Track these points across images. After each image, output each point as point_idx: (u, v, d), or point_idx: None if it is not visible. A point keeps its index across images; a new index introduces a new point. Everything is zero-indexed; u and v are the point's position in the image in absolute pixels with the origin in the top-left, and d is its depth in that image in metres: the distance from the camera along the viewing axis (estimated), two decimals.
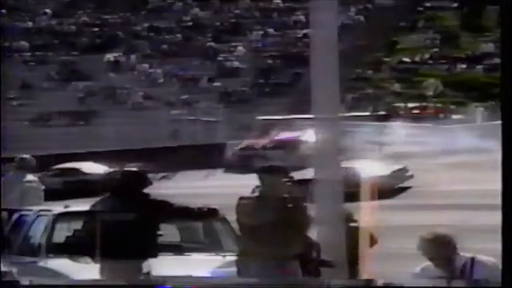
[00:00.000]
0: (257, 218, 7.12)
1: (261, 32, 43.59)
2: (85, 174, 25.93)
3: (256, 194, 7.36)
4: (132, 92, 39.57)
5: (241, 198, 7.33)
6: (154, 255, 7.54)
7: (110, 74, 41.35)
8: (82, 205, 9.01)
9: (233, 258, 7.60)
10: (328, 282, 5.80)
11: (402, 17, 42.79)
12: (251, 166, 22.56)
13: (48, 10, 46.97)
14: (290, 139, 28.94)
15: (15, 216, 10.07)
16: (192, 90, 39.33)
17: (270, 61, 40.77)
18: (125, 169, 8.15)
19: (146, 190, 7.68)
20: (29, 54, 43.83)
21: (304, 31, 40.94)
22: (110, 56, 42.56)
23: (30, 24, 46.21)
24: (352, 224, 7.87)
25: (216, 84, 39.22)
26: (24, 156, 13.67)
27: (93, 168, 26.04)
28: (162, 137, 31.36)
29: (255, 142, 29.12)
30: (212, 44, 43.04)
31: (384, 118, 31.73)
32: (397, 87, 38.14)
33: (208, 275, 7.65)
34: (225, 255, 8.53)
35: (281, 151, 27.23)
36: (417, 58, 40.27)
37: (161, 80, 40.69)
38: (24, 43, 44.30)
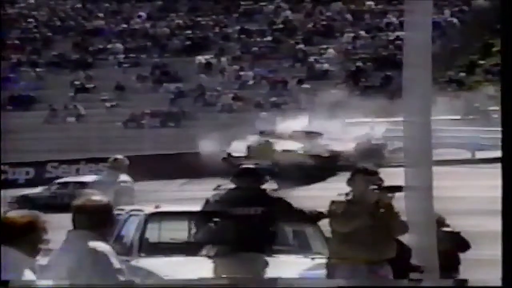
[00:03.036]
0: (350, 222, 7.11)
1: (352, 35, 43.34)
2: None
3: (348, 198, 7.34)
4: (222, 93, 39.86)
5: (333, 202, 7.33)
6: (270, 254, 7.65)
7: (201, 76, 41.72)
8: (174, 206, 9.13)
9: (323, 260, 7.60)
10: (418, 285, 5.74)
11: (499, 19, 41.92)
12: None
13: (142, 13, 47.67)
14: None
15: None
16: (281, 92, 39.44)
17: (360, 64, 40.51)
18: (244, 166, 8.35)
19: (263, 187, 7.87)
20: (123, 56, 44.56)
21: (396, 33, 40.54)
22: (201, 58, 42.93)
23: (124, 26, 46.99)
24: (444, 229, 7.79)
25: (306, 86, 39.19)
26: (117, 156, 13.90)
27: None
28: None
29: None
30: (302, 46, 42.99)
31: (477, 122, 31.17)
32: (491, 90, 37.41)
33: (297, 277, 7.67)
34: (313, 258, 8.53)
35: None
36: None
37: (250, 82, 40.89)
38: (119, 46, 45.09)
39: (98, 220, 5.22)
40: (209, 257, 7.81)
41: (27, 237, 4.84)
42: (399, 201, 7.30)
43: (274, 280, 6.57)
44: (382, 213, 7.05)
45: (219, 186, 8.35)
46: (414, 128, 7.44)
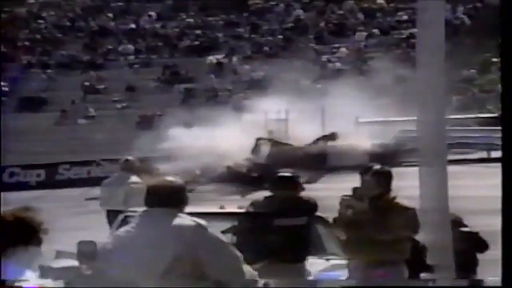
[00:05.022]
0: (362, 222, 7.13)
1: (364, 33, 43.27)
2: None
3: (359, 196, 7.37)
4: (233, 93, 39.86)
5: (343, 199, 7.36)
6: (306, 258, 7.66)
7: (211, 76, 41.75)
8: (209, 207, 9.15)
9: (338, 261, 7.61)
10: (433, 284, 5.63)
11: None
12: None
13: (152, 13, 47.75)
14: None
15: (120, 217, 10.27)
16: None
17: (373, 62, 40.46)
18: (280, 174, 8.37)
19: (300, 194, 7.89)
20: (133, 57, 44.65)
21: (409, 31, 40.46)
22: (212, 58, 42.96)
23: (134, 26, 47.08)
24: (461, 229, 7.77)
25: (318, 85, 39.13)
26: (128, 157, 13.96)
27: None
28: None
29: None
30: (314, 45, 42.95)
31: (491, 121, 31.08)
32: None
33: (312, 278, 7.70)
34: (328, 259, 8.53)
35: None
36: None
37: (262, 82, 40.87)
38: (129, 46, 45.19)
39: (178, 199, 5.32)
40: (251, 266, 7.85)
41: (23, 233, 4.88)
42: (414, 201, 7.31)
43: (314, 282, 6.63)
44: (396, 212, 7.06)
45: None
46: (428, 127, 7.42)
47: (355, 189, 7.59)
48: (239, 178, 27.30)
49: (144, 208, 5.45)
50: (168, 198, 5.30)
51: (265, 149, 29.94)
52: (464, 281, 5.45)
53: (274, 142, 30.10)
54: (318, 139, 30.79)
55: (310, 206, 7.92)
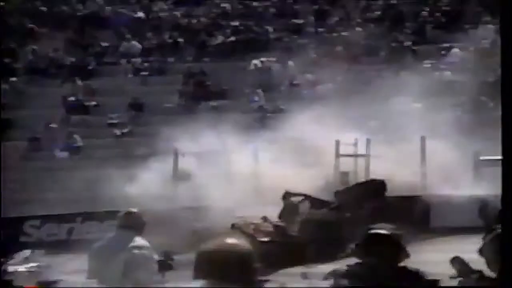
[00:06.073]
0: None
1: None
2: None
3: None
4: (287, 114, 39.94)
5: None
6: None
7: (257, 90, 41.99)
8: None
9: None
10: None
11: None
12: None
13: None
14: None
15: None
16: None
17: None
18: (373, 231, 8.55)
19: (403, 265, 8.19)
20: (140, 59, 45.06)
21: None
22: (257, 63, 43.26)
23: (142, 14, 47.53)
24: None
25: (417, 104, 39.15)
26: (131, 210, 14.12)
27: None
28: None
29: None
30: (411, 44, 43.13)
31: None
32: None
33: None
34: None
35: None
36: None
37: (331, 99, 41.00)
38: (135, 43, 45.58)
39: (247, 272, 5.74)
40: None
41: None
42: None
43: None
44: None
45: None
46: None
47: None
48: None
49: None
50: (233, 271, 5.59)
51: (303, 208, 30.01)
52: None
53: (313, 200, 29.96)
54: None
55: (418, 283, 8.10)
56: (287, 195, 29.69)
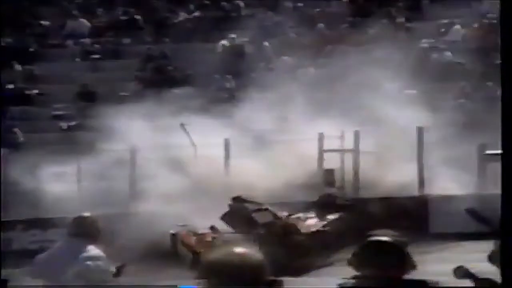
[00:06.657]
0: None
1: None
2: None
3: None
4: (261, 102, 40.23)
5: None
6: None
7: (226, 75, 42.13)
8: None
9: None
10: None
11: None
12: None
13: None
14: None
15: None
16: None
17: None
18: (374, 238, 8.71)
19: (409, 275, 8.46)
20: (89, 40, 45.14)
21: None
22: (226, 43, 43.35)
23: None
24: None
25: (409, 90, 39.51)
26: (83, 214, 14.22)
27: None
28: None
29: None
30: (405, 21, 43.37)
31: None
32: None
33: None
34: None
35: None
36: None
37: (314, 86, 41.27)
38: (83, 21, 45.62)
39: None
40: None
41: None
42: None
43: None
44: None
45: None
46: None
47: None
48: None
49: None
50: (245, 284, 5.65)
51: None
52: None
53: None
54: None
55: None
56: (237, 201, 29.43)
